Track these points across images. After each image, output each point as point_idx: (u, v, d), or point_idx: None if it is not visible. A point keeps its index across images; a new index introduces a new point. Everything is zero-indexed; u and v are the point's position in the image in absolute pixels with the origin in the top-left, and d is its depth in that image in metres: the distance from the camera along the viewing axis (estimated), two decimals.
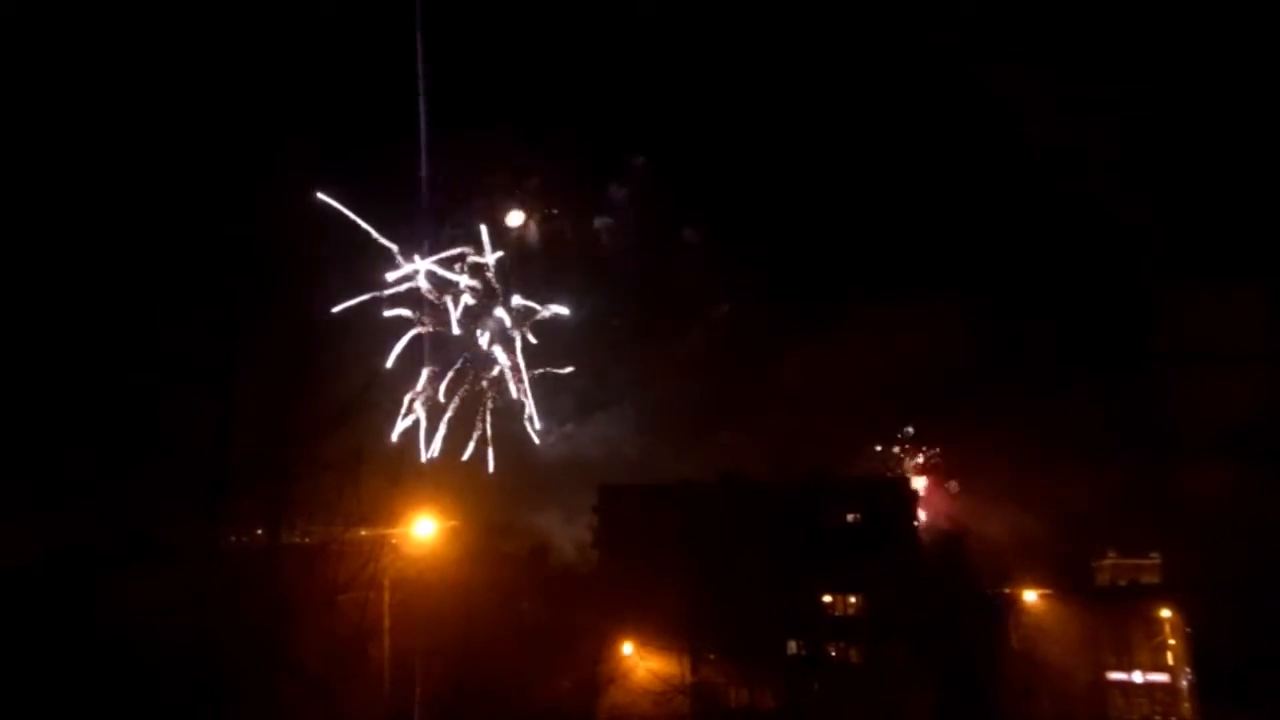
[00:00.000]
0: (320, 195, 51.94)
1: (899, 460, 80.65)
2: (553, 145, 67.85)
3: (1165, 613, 61.24)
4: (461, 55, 66.25)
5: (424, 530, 31.68)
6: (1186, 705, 58.62)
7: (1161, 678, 61.64)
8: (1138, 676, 62.08)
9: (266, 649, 21.03)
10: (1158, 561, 66.73)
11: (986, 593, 55.55)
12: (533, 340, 64.81)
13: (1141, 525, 63.45)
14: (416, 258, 62.09)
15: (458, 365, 63.10)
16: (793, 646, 55.07)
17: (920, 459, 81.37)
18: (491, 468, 61.99)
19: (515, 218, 66.84)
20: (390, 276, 60.99)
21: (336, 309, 51.57)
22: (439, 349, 63.17)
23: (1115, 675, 61.91)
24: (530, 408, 64.11)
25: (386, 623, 28.48)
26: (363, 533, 25.94)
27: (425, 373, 61.99)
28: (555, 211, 68.45)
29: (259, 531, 22.76)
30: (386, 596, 28.31)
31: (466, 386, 63.06)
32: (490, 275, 64.00)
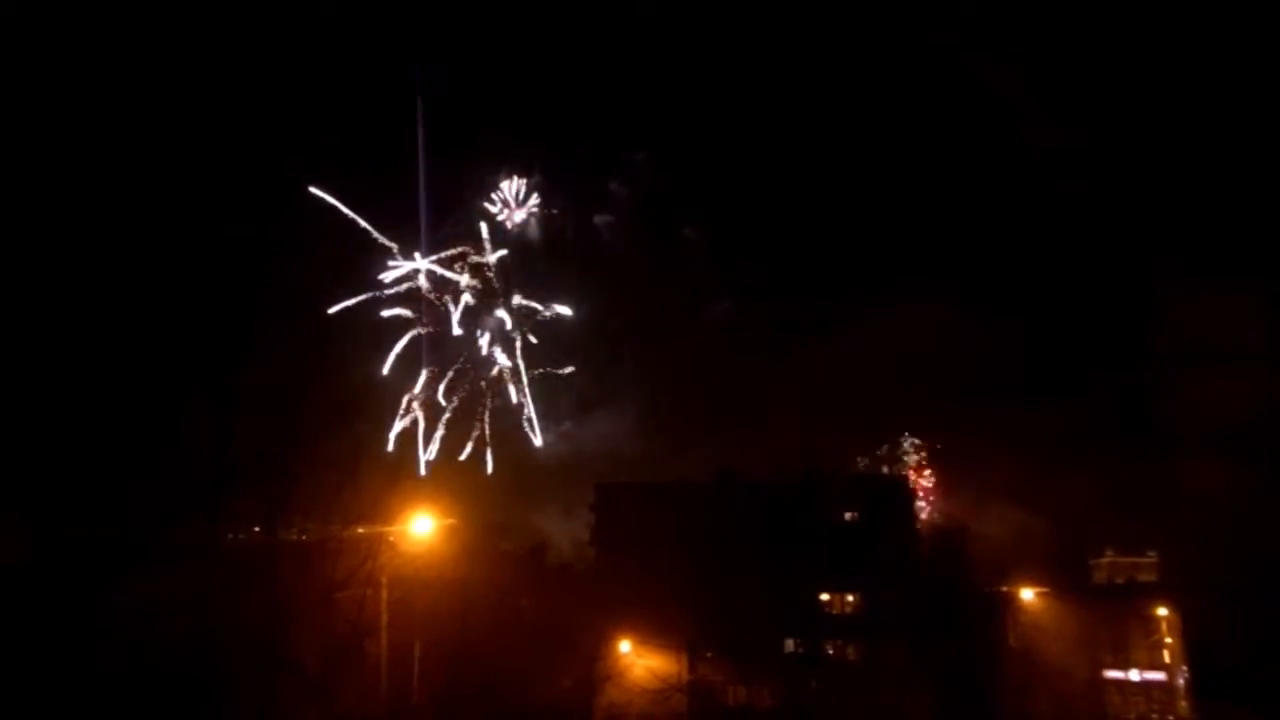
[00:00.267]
0: (314, 190, 52.00)
1: (897, 458, 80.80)
2: (554, 142, 67.91)
3: (1162, 611, 61.32)
4: (462, 52, 66.21)
5: (422, 528, 31.70)
6: (1183, 703, 58.71)
7: (1158, 676, 61.76)
8: (1135, 675, 62.20)
9: (265, 646, 21.06)
10: (1155, 560, 66.80)
11: (984, 591, 55.49)
12: (533, 340, 64.72)
13: (1139, 524, 63.55)
14: (417, 256, 62.02)
15: (457, 366, 63.04)
16: (790, 645, 55.05)
17: (918, 457, 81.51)
18: (490, 469, 61.97)
19: (516, 215, 66.71)
20: (388, 277, 60.93)
21: (335, 309, 51.82)
22: (438, 349, 63.12)
23: (1112, 673, 62.02)
24: (530, 410, 64.01)
25: (384, 620, 28.52)
26: (360, 530, 26.00)
27: (424, 373, 61.94)
28: (555, 211, 68.35)
29: (257, 529, 22.80)
30: (384, 594, 28.35)
31: (466, 387, 63.01)
32: (491, 274, 63.92)
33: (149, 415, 21.88)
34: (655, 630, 51.34)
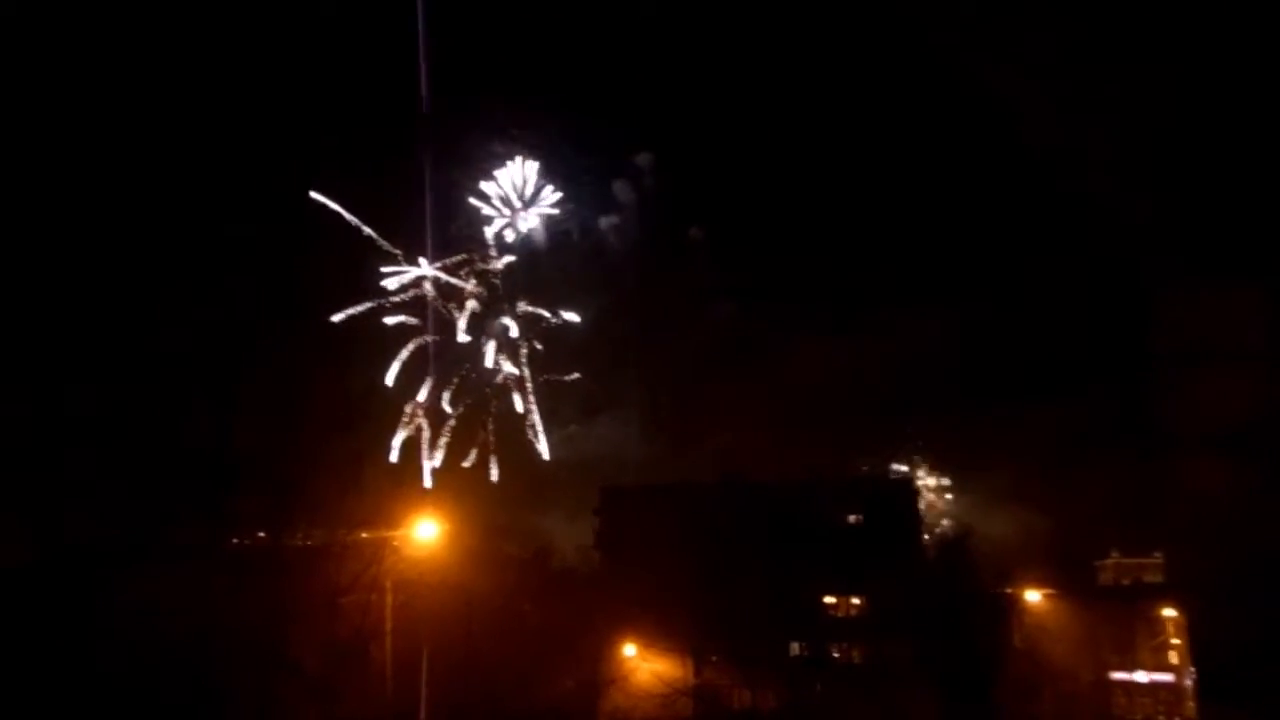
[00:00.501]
0: (316, 195, 52.05)
1: (901, 460, 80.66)
2: (558, 145, 67.82)
3: (1168, 612, 61.11)
4: (465, 55, 66.20)
5: (426, 533, 31.76)
6: (1190, 705, 58.44)
7: (1165, 677, 61.50)
8: (1141, 676, 61.96)
9: (267, 650, 21.15)
10: (1160, 561, 66.62)
11: (989, 592, 55.41)
12: (539, 347, 64.48)
13: (1144, 525, 63.42)
14: (422, 261, 61.94)
15: (461, 374, 62.87)
16: (795, 648, 54.97)
17: (922, 459, 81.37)
18: (495, 476, 61.77)
19: (522, 220, 66.63)
20: (393, 284, 60.83)
21: (338, 317, 51.89)
22: (442, 356, 62.94)
23: (1118, 675, 61.78)
24: (535, 419, 63.77)
25: (389, 625, 28.58)
26: (364, 535, 26.11)
27: (428, 382, 61.76)
28: (564, 212, 68.12)
29: (261, 534, 22.90)
30: (389, 599, 28.43)
31: (470, 397, 62.87)
32: (496, 280, 63.81)
33: (153, 418, 22.05)
34: (660, 634, 51.30)
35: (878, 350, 70.41)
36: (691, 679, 52.73)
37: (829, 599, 57.98)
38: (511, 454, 62.91)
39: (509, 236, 65.48)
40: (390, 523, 29.41)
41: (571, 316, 64.71)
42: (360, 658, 25.83)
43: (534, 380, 64.26)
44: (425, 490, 48.54)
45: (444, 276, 62.78)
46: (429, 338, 61.66)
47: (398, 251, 61.04)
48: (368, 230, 58.29)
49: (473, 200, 64.89)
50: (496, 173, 64.99)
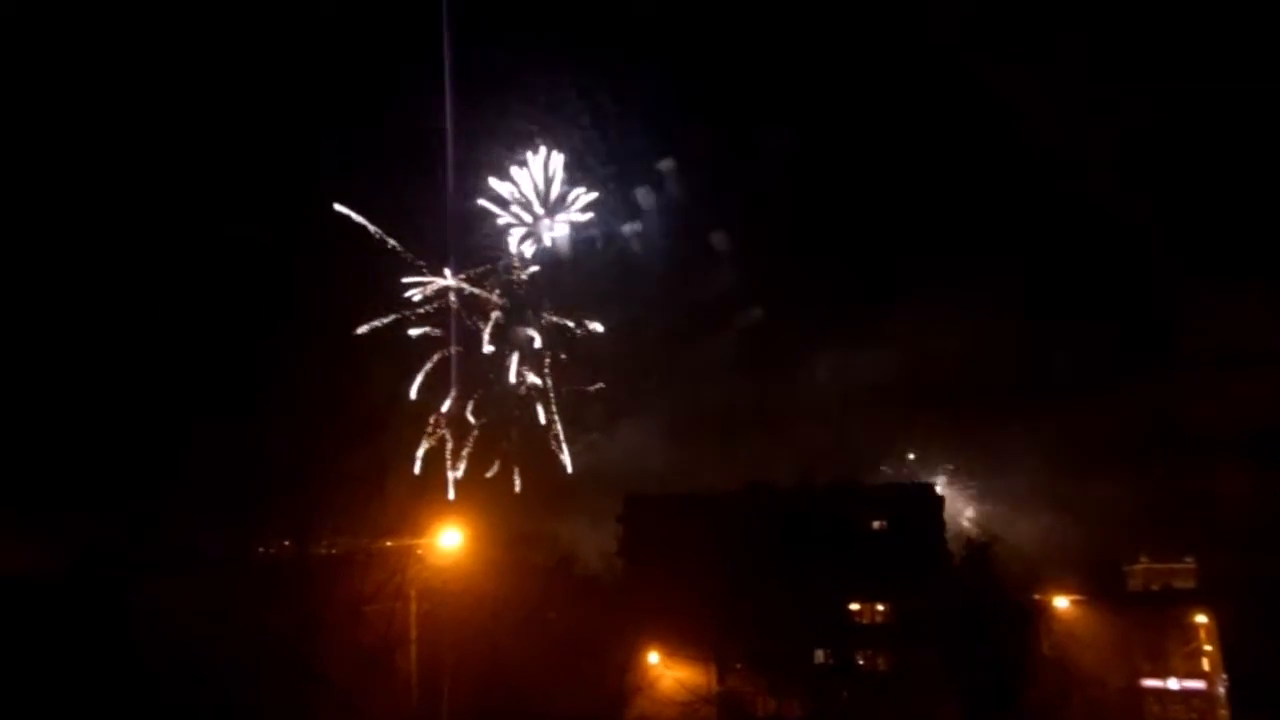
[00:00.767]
0: (340, 208, 52.56)
1: (926, 466, 80.00)
2: (581, 152, 67.94)
3: (1200, 618, 60.27)
4: (488, 63, 66.49)
5: (449, 541, 31.88)
6: (1223, 713, 57.61)
7: (1198, 684, 60.62)
8: (1173, 683, 61.10)
9: (294, 659, 21.33)
10: (1192, 566, 65.71)
11: (1016, 599, 54.88)
12: (563, 357, 64.43)
13: (1174, 529, 62.60)
14: (447, 272, 62.19)
15: (485, 385, 62.97)
16: (820, 655, 54.73)
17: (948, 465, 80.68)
18: (518, 488, 61.75)
19: (545, 227, 66.62)
20: (417, 295, 61.07)
21: (363, 329, 52.27)
22: (466, 367, 63.08)
23: (1150, 682, 60.98)
24: (559, 431, 63.72)
25: (414, 633, 28.73)
26: (389, 544, 26.29)
27: (451, 394, 61.93)
28: (592, 215, 67.99)
29: (287, 543, 23.12)
30: (413, 607, 28.58)
31: (492, 411, 62.93)
32: (520, 290, 63.91)
33: (179, 428, 22.39)
34: (684, 641, 51.23)
35: (901, 355, 70.03)
36: (715, 686, 52.59)
37: (854, 606, 57.68)
38: (534, 463, 63.06)
39: (529, 250, 65.78)
40: (414, 531, 29.58)
41: (596, 326, 64.77)
42: (385, 666, 25.99)
43: (557, 391, 64.38)
44: (449, 501, 48.78)
45: (468, 288, 63.08)
46: (452, 349, 61.99)
47: (422, 263, 61.45)
48: (392, 242, 58.74)
49: (496, 209, 65.34)
50: (518, 177, 65.22)
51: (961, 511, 74.86)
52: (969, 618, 49.16)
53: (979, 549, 57.47)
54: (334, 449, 23.06)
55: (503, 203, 65.52)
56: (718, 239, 72.98)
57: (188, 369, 23.17)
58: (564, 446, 63.22)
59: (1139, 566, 71.28)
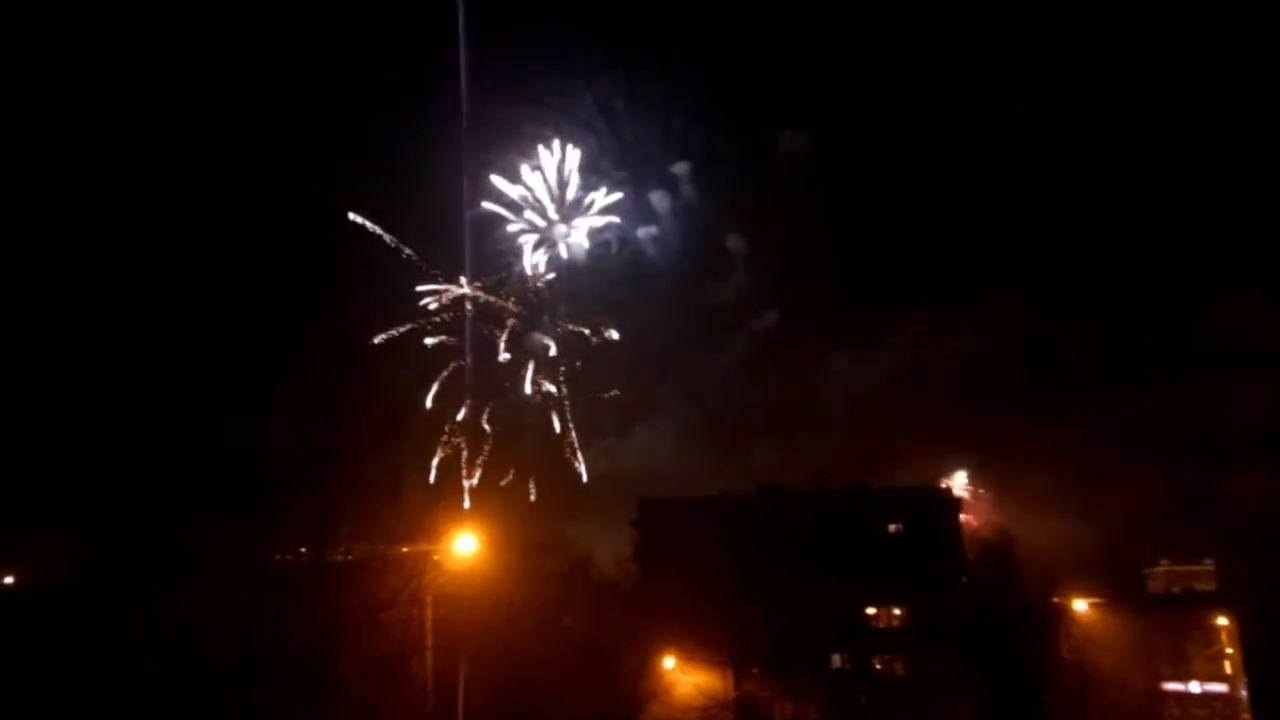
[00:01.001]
0: (354, 216, 52.83)
1: (942, 469, 79.62)
2: (596, 156, 68.04)
3: (1222, 621, 59.66)
4: (503, 71, 66.77)
5: (465, 547, 31.94)
6: (1246, 716, 56.98)
7: (1219, 688, 59.98)
8: (1195, 686, 60.47)
9: (311, 666, 21.40)
10: (1212, 568, 65.08)
11: (1035, 602, 54.50)
12: (578, 365, 64.38)
13: (1194, 530, 62.05)
14: (463, 279, 62.26)
15: (500, 394, 62.97)
16: (837, 659, 54.49)
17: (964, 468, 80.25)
18: (533, 497, 61.72)
19: (560, 234, 66.59)
20: (433, 305, 61.14)
21: (379, 339, 52.46)
22: (482, 375, 63.12)
23: (1171, 685, 60.38)
24: (574, 439, 63.68)
25: (430, 639, 28.79)
26: (404, 550, 26.36)
27: (466, 401, 61.99)
28: (615, 216, 67.93)
29: (303, 550, 23.21)
30: (429, 613, 28.65)
31: (508, 420, 62.92)
32: (536, 297, 63.93)
33: (195, 436, 22.53)
34: (700, 646, 51.13)
35: (917, 359, 69.88)
36: (732, 691, 52.45)
37: (870, 610, 57.41)
38: (549, 470, 63.14)
39: (544, 257, 65.77)
40: (430, 537, 29.67)
41: (612, 334, 64.69)
42: (401, 673, 26.06)
43: (572, 399, 64.39)
44: (464, 509, 48.95)
45: (483, 296, 63.18)
46: (467, 359, 62.07)
47: (437, 271, 61.58)
48: (407, 251, 58.90)
49: (510, 215, 65.42)
50: (533, 182, 65.24)
51: (978, 513, 74.54)
52: (987, 621, 48.85)
53: (996, 551, 57.17)
54: (349, 456, 23.13)
55: (517, 208, 65.70)
56: (733, 242, 73.01)
57: (202, 375, 23.32)
58: (579, 455, 63.28)
59: (1159, 569, 70.61)
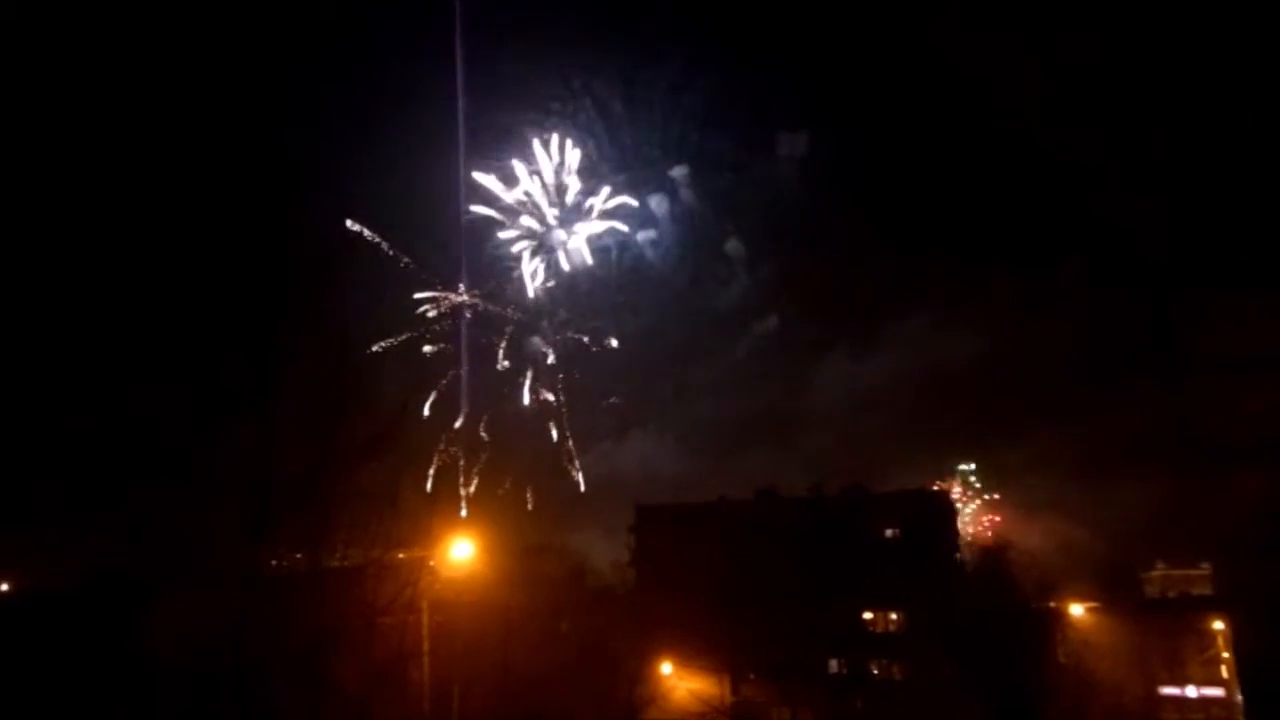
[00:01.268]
0: (351, 223, 52.88)
1: (938, 474, 79.82)
2: (595, 160, 68.06)
3: (1218, 625, 59.78)
4: (501, 76, 66.88)
5: (461, 553, 31.94)
6: None
7: (1216, 692, 60.10)
8: (1191, 691, 60.58)
9: (308, 673, 21.34)
10: (1208, 572, 65.25)
11: (1031, 606, 54.56)
12: (577, 376, 64.30)
13: (1191, 534, 62.28)
14: (461, 287, 62.19)
15: (500, 403, 62.81)
16: (834, 664, 54.56)
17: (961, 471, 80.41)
18: (530, 506, 61.59)
19: (557, 239, 66.46)
20: (431, 313, 61.08)
21: (377, 347, 52.44)
22: (481, 383, 62.98)
23: (1168, 690, 60.47)
24: (571, 448, 63.54)
25: (426, 645, 28.75)
26: (401, 556, 26.30)
27: (463, 410, 61.86)
28: (603, 229, 67.95)
29: (299, 556, 23.15)
30: (426, 619, 28.62)
31: (505, 428, 62.76)
32: (534, 304, 63.80)
33: (191, 442, 22.47)
34: (697, 652, 51.14)
35: (913, 364, 70.11)
36: (729, 697, 52.49)
37: (867, 614, 57.47)
38: (546, 480, 63.09)
39: (542, 266, 65.67)
40: (426, 544, 29.63)
41: (612, 342, 64.66)
42: (398, 679, 26.01)
43: (570, 408, 64.31)
44: (461, 518, 48.93)
45: (481, 304, 63.11)
46: (463, 369, 62.00)
47: (436, 282, 61.47)
48: (405, 259, 58.85)
49: (507, 221, 65.40)
50: (531, 188, 65.19)
51: (976, 519, 74.65)
52: (983, 626, 48.87)
53: (992, 556, 57.21)
54: (346, 464, 23.09)
55: (515, 214, 65.70)
56: (732, 246, 73.13)
57: (198, 381, 23.29)
58: (576, 464, 63.26)
59: (1156, 573, 70.91)
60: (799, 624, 49.03)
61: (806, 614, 49.37)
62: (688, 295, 72.83)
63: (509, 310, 64.09)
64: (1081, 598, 57.82)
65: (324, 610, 22.49)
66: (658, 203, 71.41)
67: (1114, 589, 62.57)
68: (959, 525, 64.50)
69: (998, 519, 72.94)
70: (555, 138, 64.70)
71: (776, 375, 77.15)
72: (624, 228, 65.88)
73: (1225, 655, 59.65)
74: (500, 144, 64.90)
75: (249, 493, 21.32)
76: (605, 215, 66.79)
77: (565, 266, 65.38)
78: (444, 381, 62.11)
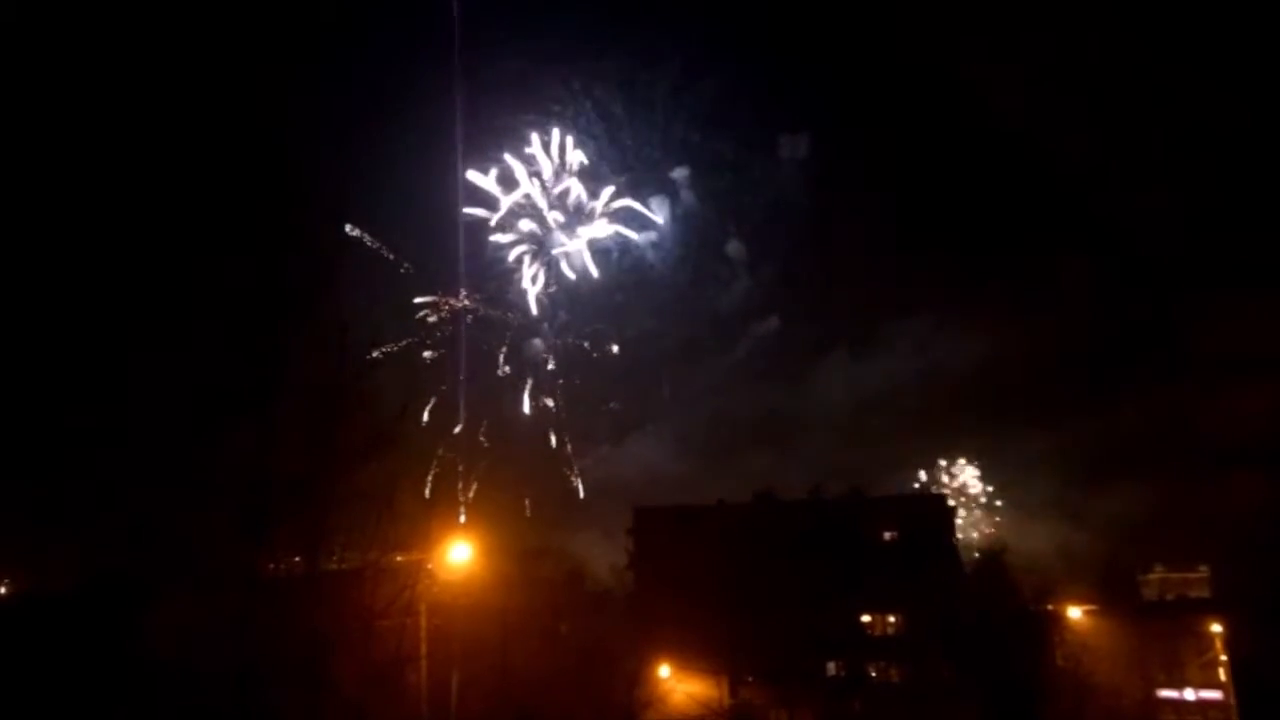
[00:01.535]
0: (350, 227, 52.92)
1: (937, 476, 79.88)
2: (596, 163, 68.05)
3: (1216, 628, 59.74)
4: (499, 74, 66.78)
5: (460, 555, 31.97)
6: None
7: (1214, 695, 60.07)
8: (1189, 694, 60.57)
9: (306, 675, 21.36)
10: (1206, 574, 65.27)
11: (1029, 609, 54.62)
12: (577, 382, 64.25)
13: (1189, 537, 62.29)
14: (462, 292, 62.13)
15: (499, 409, 62.70)
16: (832, 667, 54.58)
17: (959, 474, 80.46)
18: (528, 513, 61.50)
19: (558, 241, 66.36)
20: (432, 318, 61.03)
21: (375, 354, 52.31)
22: (480, 389, 62.88)
23: (1166, 693, 60.46)
24: (570, 453, 63.45)
25: (424, 648, 28.77)
26: (399, 558, 26.33)
27: (462, 417, 61.77)
28: (603, 235, 67.86)
29: (296, 558, 23.17)
30: (423, 622, 28.63)
31: (506, 435, 62.64)
32: (536, 308, 63.70)
33: (189, 445, 22.49)
34: (695, 654, 51.15)
35: (912, 366, 70.20)
36: (727, 699, 52.47)
37: (866, 617, 57.50)
38: (545, 487, 63.02)
39: (541, 273, 65.62)
40: (424, 546, 29.67)
41: (613, 348, 64.56)
42: (396, 682, 26.03)
43: (570, 414, 64.22)
44: (460, 524, 48.92)
45: (482, 309, 63.07)
46: (461, 375, 61.95)
47: (436, 286, 61.40)
48: (406, 265, 58.81)
49: (506, 225, 65.37)
50: (532, 190, 65.17)
51: (974, 522, 74.74)
52: (981, 628, 48.93)
53: (991, 559, 57.28)
54: (344, 468, 23.12)
55: (514, 216, 65.72)
56: (733, 247, 73.19)
57: (197, 383, 23.32)
58: (575, 470, 63.26)
59: (1154, 575, 70.87)
60: (797, 626, 49.05)
61: (805, 616, 49.40)
62: (688, 296, 72.84)
63: (508, 315, 64.07)
64: (1079, 600, 57.88)
65: (322, 613, 22.50)
66: (658, 204, 71.38)
67: (1112, 591, 62.57)
68: (957, 528, 64.38)
69: (996, 521, 72.85)
70: (555, 138, 64.68)
71: (776, 377, 77.09)
72: (629, 233, 65.91)
73: (1223, 658, 59.61)
74: (500, 146, 64.94)
75: (248, 494, 21.35)
76: (606, 217, 66.78)
77: (568, 273, 65.43)
78: (443, 387, 62.08)
